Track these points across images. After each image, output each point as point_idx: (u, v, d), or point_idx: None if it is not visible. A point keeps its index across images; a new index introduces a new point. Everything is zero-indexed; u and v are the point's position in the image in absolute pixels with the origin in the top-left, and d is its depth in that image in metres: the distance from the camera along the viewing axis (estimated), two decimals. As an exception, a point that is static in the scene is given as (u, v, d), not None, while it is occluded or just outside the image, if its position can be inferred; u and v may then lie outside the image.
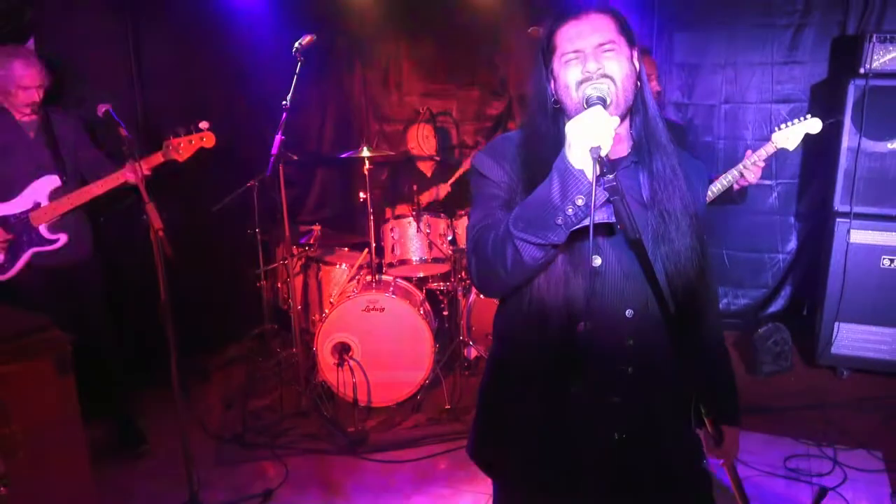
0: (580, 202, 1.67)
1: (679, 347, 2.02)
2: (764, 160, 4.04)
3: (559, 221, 1.70)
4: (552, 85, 1.99)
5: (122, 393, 4.65)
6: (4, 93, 4.03)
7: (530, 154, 2.00)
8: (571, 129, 1.68)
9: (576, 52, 1.91)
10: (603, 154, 1.63)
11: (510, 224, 1.79)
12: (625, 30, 1.96)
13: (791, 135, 4.04)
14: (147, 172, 4.05)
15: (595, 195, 1.63)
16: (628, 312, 1.99)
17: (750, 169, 4.03)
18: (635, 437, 2.08)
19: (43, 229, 4.17)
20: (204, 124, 4.26)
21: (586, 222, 1.69)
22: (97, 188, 4.12)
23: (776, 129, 4.10)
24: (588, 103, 1.79)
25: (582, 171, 1.66)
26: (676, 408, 2.15)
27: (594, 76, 1.87)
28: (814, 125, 4.02)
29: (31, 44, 4.74)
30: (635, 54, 1.98)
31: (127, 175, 4.02)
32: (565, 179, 1.68)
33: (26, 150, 4.14)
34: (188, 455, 3.69)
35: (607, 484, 2.11)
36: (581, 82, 1.89)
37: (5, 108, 4.10)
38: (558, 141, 1.81)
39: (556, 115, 2.02)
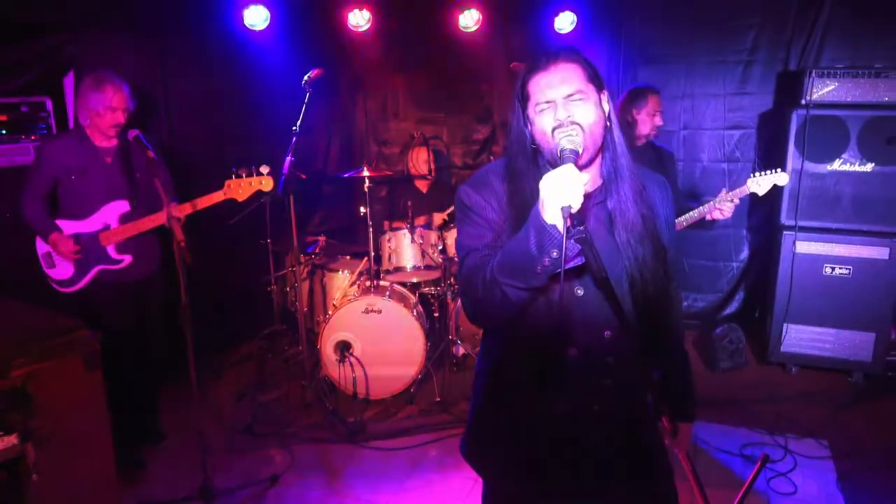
0: (555, 254, 1.64)
1: (645, 357, 1.98)
2: (738, 199, 4.16)
3: (539, 270, 1.69)
4: (529, 128, 1.92)
5: (155, 395, 4.45)
6: (94, 114, 3.84)
7: (514, 191, 1.94)
8: (544, 187, 1.63)
9: (547, 101, 1.85)
10: (574, 209, 1.59)
11: (496, 271, 1.78)
12: (592, 76, 1.89)
13: (762, 182, 4.17)
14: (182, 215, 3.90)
15: (566, 248, 1.61)
16: (606, 333, 1.95)
17: (725, 206, 4.13)
18: (613, 440, 2.05)
19: (111, 249, 4.01)
20: (265, 168, 4.09)
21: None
22: (161, 218, 3.89)
23: (750, 177, 4.19)
24: (562, 156, 1.75)
25: (555, 227, 1.62)
26: (647, 410, 2.13)
27: (565, 123, 1.82)
28: (781, 178, 4.16)
29: (70, 77, 4.65)
30: (603, 97, 1.91)
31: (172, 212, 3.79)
32: (541, 235, 1.65)
33: (102, 175, 3.95)
34: (203, 443, 3.60)
35: (588, 481, 2.08)
36: (555, 129, 1.83)
37: (86, 134, 3.92)
38: (538, 178, 1.74)
39: (535, 154, 1.96)
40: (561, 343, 1.94)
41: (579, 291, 1.93)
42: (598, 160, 1.96)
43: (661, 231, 2.00)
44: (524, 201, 1.86)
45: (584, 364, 1.96)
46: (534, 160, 1.96)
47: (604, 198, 1.96)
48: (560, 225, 1.60)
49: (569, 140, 1.78)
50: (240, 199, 4.10)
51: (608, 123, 1.92)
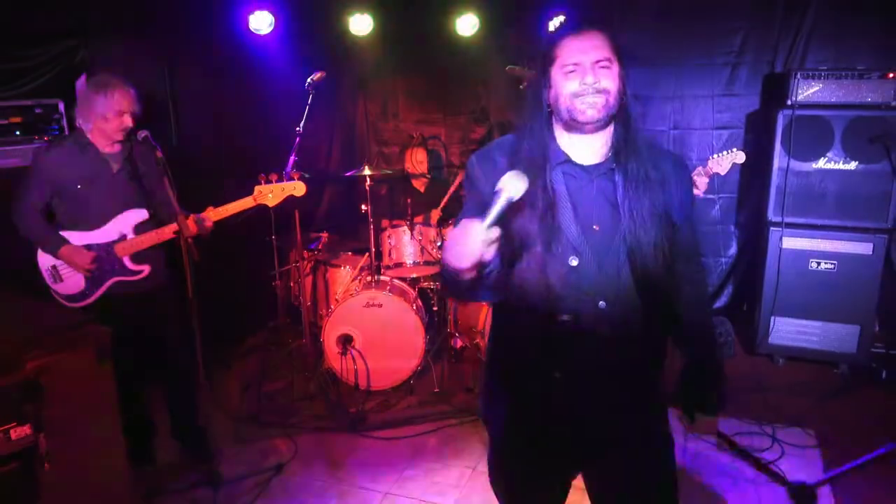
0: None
1: (648, 332, 1.97)
2: (706, 175, 4.31)
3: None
4: (548, 92, 1.91)
5: (194, 407, 4.06)
6: (101, 118, 3.50)
7: (517, 163, 1.90)
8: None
9: (575, 64, 1.84)
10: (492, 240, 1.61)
11: (443, 254, 1.73)
12: (617, 49, 1.88)
13: (722, 162, 4.30)
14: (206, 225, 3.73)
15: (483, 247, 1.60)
16: (601, 304, 1.91)
17: (698, 181, 4.29)
18: (613, 407, 2.03)
19: (127, 260, 3.67)
20: (295, 173, 3.99)
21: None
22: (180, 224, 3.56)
23: (711, 157, 4.33)
24: (494, 198, 1.68)
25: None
26: (646, 381, 2.09)
27: (589, 90, 1.83)
28: (739, 156, 4.31)
29: (82, 80, 4.62)
30: (622, 72, 1.89)
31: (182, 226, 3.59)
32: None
33: (110, 182, 3.61)
34: (210, 432, 3.59)
35: (584, 447, 2.10)
36: (576, 95, 1.84)
37: (90, 141, 3.57)
38: (545, 144, 1.81)
39: (549, 118, 1.95)
40: (551, 310, 1.92)
41: (573, 261, 1.90)
42: (610, 130, 1.95)
43: (672, 208, 1.96)
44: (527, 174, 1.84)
45: (575, 331, 1.93)
46: (547, 124, 1.95)
47: (611, 168, 1.94)
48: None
49: (507, 190, 1.70)
50: (271, 205, 4.00)
51: (624, 97, 1.91)
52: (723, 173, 4.39)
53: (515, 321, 2.04)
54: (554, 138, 1.95)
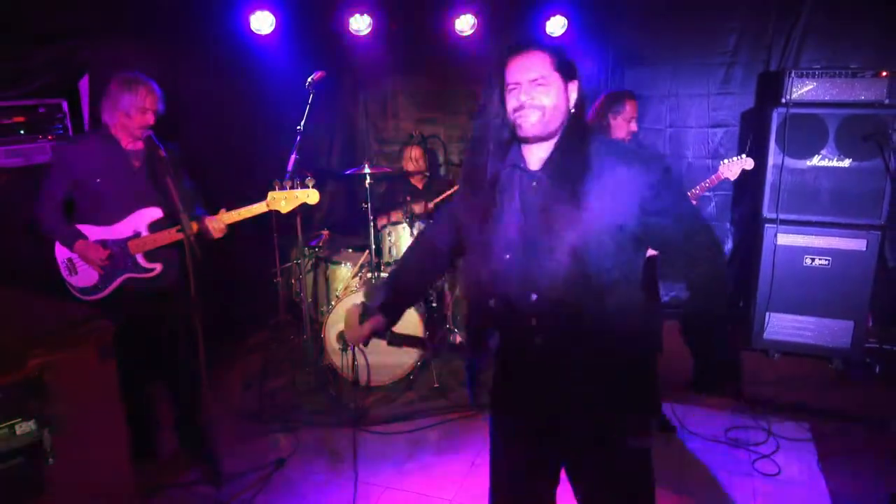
0: None
1: (584, 329, 2.02)
2: (714, 183, 4.42)
3: None
4: (503, 106, 2.06)
5: (196, 406, 4.00)
6: (125, 115, 3.51)
7: (476, 163, 2.14)
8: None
9: (515, 83, 2.01)
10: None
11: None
12: (561, 65, 2.01)
13: (733, 168, 4.37)
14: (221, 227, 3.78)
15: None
16: (532, 297, 2.03)
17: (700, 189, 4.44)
18: (561, 399, 2.14)
19: (140, 258, 3.66)
20: (310, 180, 3.95)
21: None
22: (196, 226, 3.58)
23: (721, 162, 4.40)
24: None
25: None
26: (603, 376, 2.08)
27: (525, 106, 1.98)
28: (749, 163, 4.34)
29: (84, 80, 4.61)
30: (571, 86, 2.03)
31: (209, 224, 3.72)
32: None
33: (130, 179, 3.61)
34: (212, 429, 3.58)
35: (545, 435, 2.23)
36: (515, 110, 2.00)
37: (111, 134, 3.59)
38: (498, 151, 2.08)
39: (511, 128, 2.08)
40: (489, 298, 2.13)
41: (506, 256, 2.06)
42: (555, 141, 2.06)
43: (620, 210, 1.96)
44: (480, 173, 2.11)
45: (505, 316, 2.11)
46: (510, 133, 2.08)
47: (547, 174, 2.04)
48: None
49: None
50: (283, 212, 3.97)
51: (573, 110, 2.05)
52: (732, 179, 4.41)
53: (468, 307, 2.29)
54: (517, 146, 2.11)
